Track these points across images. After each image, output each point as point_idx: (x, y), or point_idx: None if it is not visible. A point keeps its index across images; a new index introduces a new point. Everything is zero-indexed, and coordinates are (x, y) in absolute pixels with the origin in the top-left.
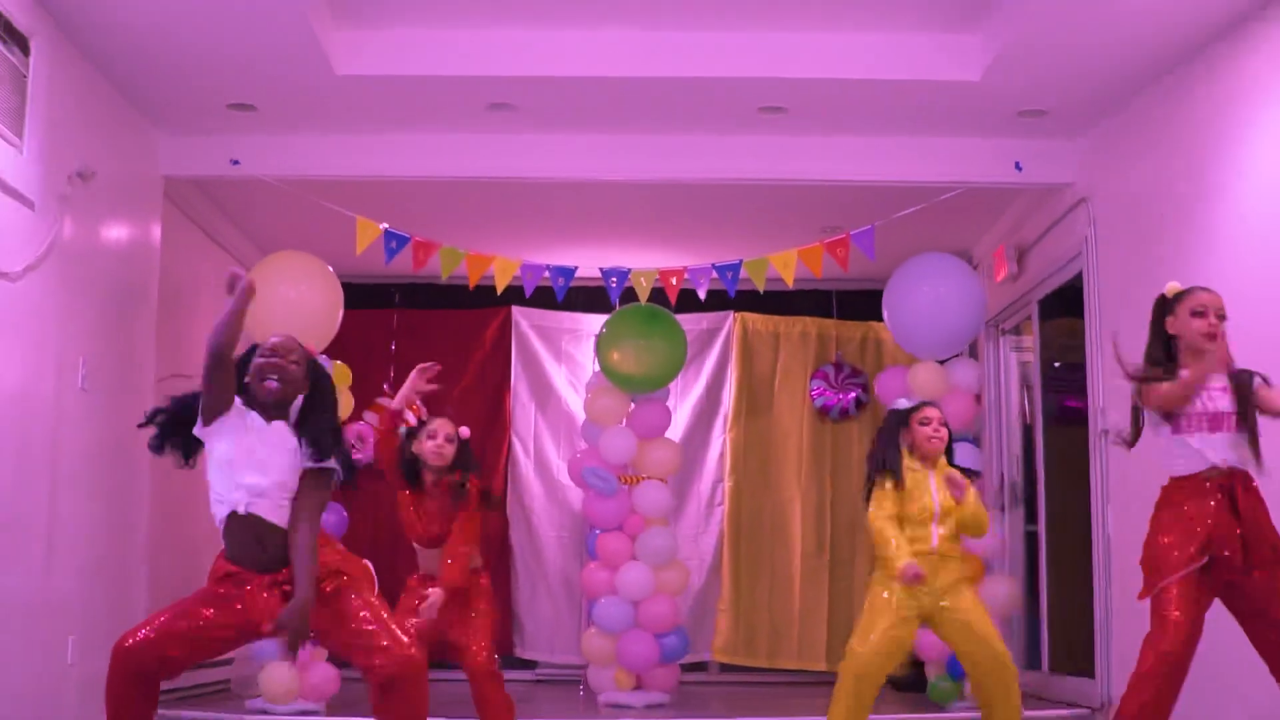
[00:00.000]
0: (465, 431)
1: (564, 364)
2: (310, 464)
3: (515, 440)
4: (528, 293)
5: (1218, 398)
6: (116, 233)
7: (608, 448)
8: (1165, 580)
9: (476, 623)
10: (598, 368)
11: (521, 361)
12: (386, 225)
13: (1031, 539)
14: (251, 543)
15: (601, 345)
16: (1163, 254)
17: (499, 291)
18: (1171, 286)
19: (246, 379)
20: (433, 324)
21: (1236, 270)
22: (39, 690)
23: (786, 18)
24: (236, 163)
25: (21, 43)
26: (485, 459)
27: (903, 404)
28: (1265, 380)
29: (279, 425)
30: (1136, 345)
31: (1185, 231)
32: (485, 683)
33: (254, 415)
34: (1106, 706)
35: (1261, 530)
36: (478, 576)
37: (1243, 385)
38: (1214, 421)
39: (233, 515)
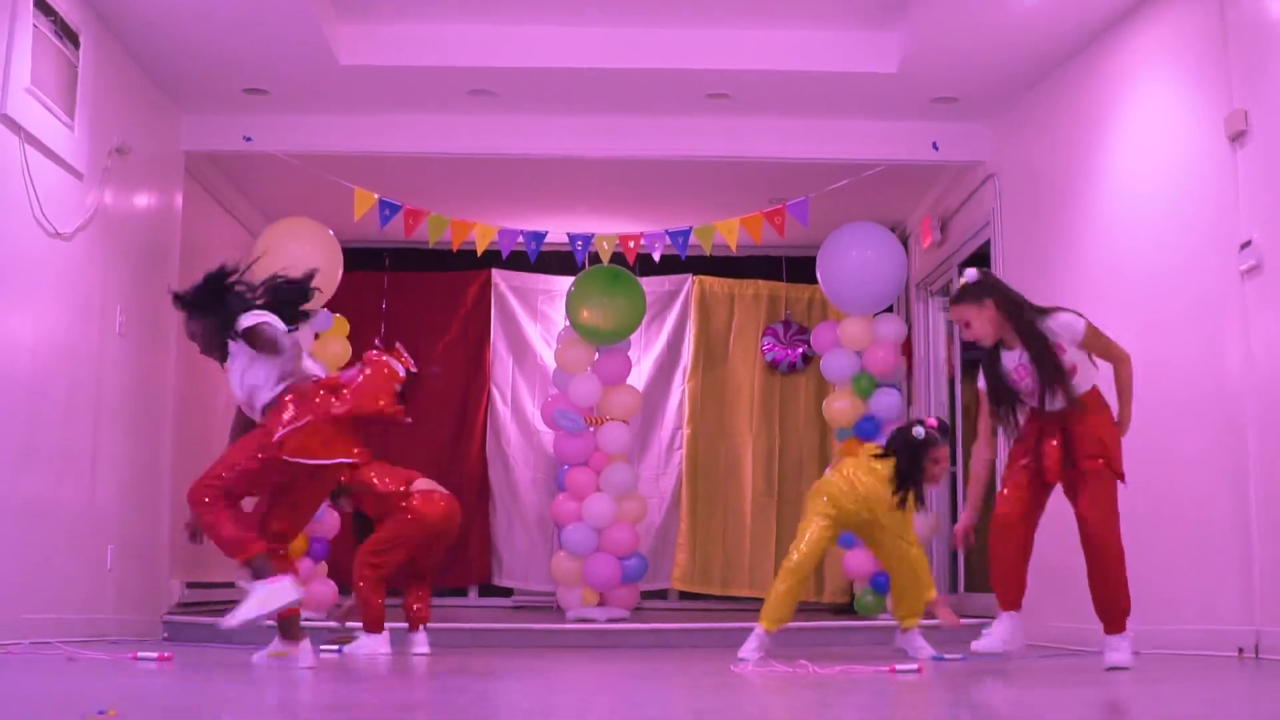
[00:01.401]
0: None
1: (539, 321)
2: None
3: (494, 390)
4: (504, 254)
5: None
6: (146, 200)
7: (575, 392)
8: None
9: None
10: (568, 322)
11: (500, 319)
12: (380, 196)
13: (951, 478)
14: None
15: (571, 301)
16: (1054, 223)
17: (479, 254)
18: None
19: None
20: (420, 285)
21: (1116, 235)
22: (84, 592)
23: (730, 17)
24: (249, 140)
25: (73, 38)
26: (466, 408)
27: (919, 433)
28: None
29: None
30: (1036, 299)
31: (1072, 202)
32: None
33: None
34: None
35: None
36: None
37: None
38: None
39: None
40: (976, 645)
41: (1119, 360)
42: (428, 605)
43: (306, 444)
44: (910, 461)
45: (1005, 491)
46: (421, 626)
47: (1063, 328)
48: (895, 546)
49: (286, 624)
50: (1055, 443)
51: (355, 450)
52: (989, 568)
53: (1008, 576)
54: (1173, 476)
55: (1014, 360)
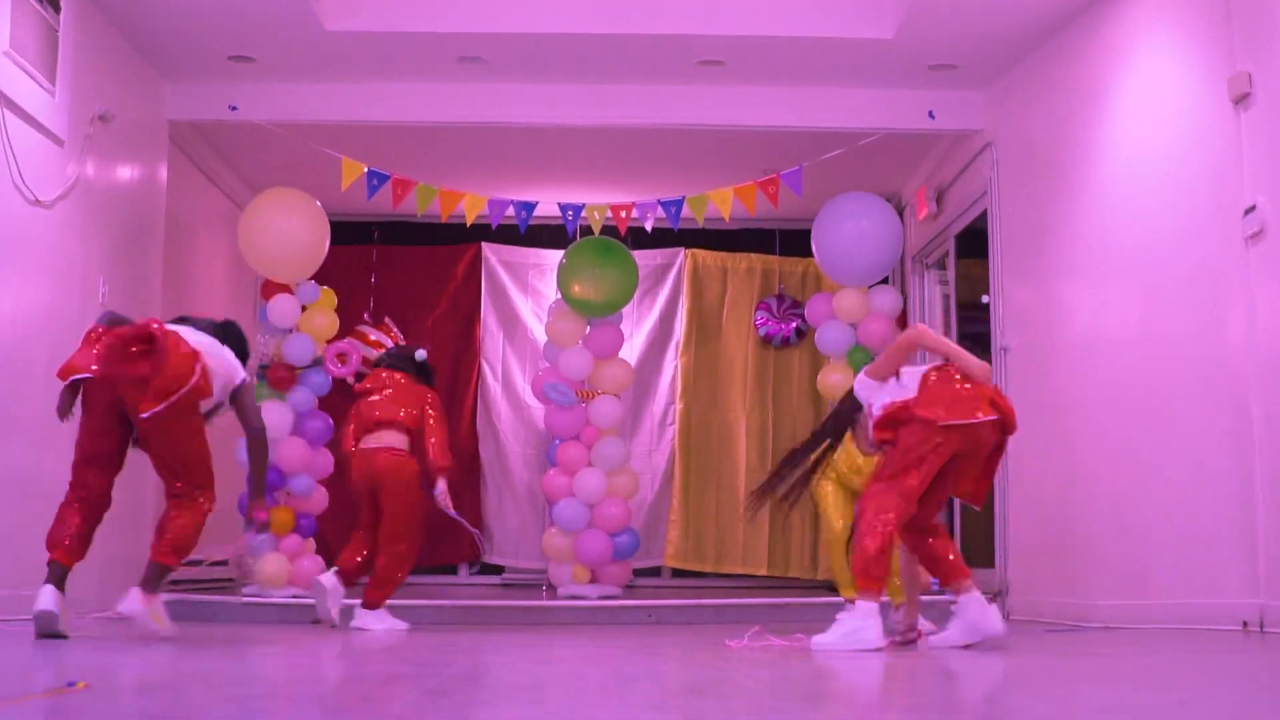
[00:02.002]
0: (421, 353)
1: (529, 296)
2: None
3: (485, 365)
4: (494, 225)
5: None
6: (129, 170)
7: (566, 366)
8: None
9: None
10: (559, 295)
11: (490, 293)
12: (368, 166)
13: None
14: None
15: (562, 273)
16: (1052, 191)
17: (468, 224)
18: None
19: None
20: (409, 259)
21: (1116, 203)
22: None
23: None
24: (235, 109)
25: (53, 2)
26: (456, 383)
27: None
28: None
29: None
30: (1034, 270)
31: (1071, 170)
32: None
33: None
34: (1005, 592)
35: None
36: None
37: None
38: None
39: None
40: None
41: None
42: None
43: None
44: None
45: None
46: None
47: None
48: None
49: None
50: None
51: None
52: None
53: None
54: (1174, 448)
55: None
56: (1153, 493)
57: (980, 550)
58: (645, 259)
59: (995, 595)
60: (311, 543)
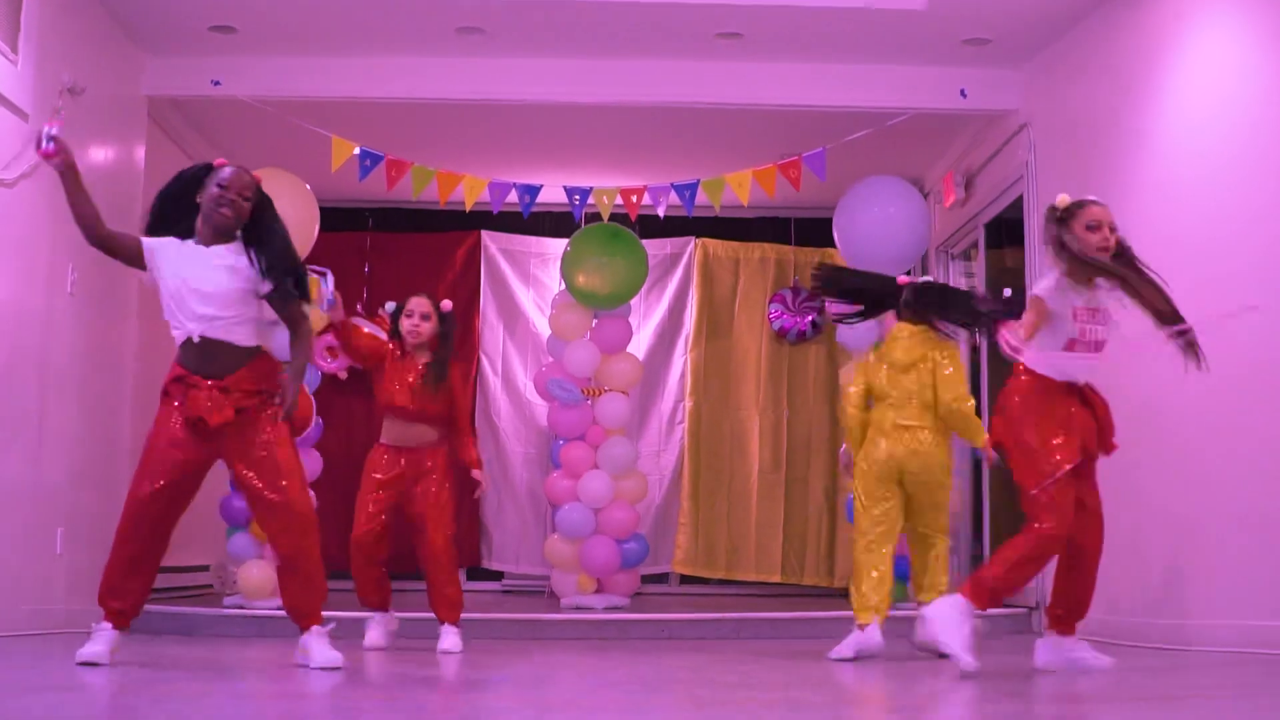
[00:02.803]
0: (447, 305)
1: (531, 287)
2: (268, 290)
3: (484, 360)
4: (495, 209)
5: (1094, 322)
6: (103, 149)
7: (571, 360)
8: (1059, 471)
9: (439, 499)
10: (563, 286)
11: (490, 284)
12: (361, 145)
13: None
14: (203, 357)
15: (566, 262)
16: (1097, 179)
17: (467, 208)
18: (1063, 199)
19: (199, 199)
20: (404, 247)
21: (1170, 187)
22: (31, 578)
23: None
24: (217, 83)
25: None
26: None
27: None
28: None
29: (218, 249)
30: None
31: (1119, 157)
32: (438, 567)
33: (191, 245)
34: (1041, 604)
35: (1105, 425)
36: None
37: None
38: (1095, 346)
39: (188, 341)
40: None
41: None
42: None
43: None
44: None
45: (1052, 497)
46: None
47: None
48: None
49: None
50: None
51: None
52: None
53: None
54: (1238, 451)
55: (1088, 301)
56: (1210, 501)
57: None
58: (654, 248)
59: (1033, 609)
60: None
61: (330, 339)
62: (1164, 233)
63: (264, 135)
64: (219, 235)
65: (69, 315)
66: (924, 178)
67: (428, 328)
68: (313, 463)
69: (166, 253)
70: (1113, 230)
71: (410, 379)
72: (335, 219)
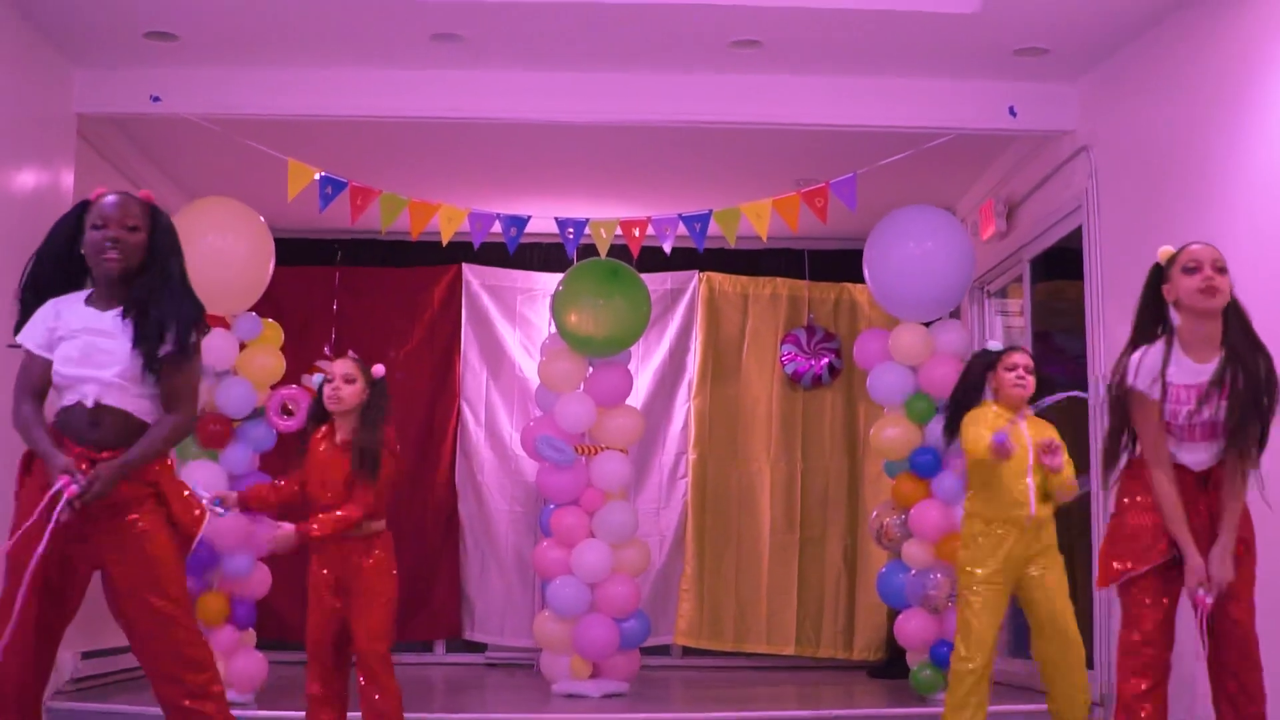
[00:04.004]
0: (379, 370)
1: (518, 326)
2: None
3: (465, 407)
4: (476, 244)
5: (1205, 404)
6: (23, 174)
7: (564, 415)
8: (1128, 574)
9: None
10: (553, 329)
11: (472, 323)
12: (322, 171)
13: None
14: (86, 423)
15: (558, 304)
16: (1171, 208)
17: (444, 242)
18: (1164, 251)
19: (83, 251)
20: (377, 282)
21: (1253, 226)
22: None
23: None
24: (157, 99)
25: None
26: (433, 428)
27: (993, 346)
28: None
29: (115, 315)
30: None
31: (1196, 180)
32: (365, 669)
33: (88, 312)
34: (1107, 700)
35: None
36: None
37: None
38: (1209, 430)
39: (79, 405)
40: None
41: None
42: None
43: None
44: (971, 380)
45: (1143, 602)
46: None
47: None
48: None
49: None
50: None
51: None
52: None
53: None
54: None
55: (1192, 376)
56: None
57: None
58: (653, 283)
59: (1096, 704)
60: (251, 634)
61: (288, 393)
62: (1256, 272)
63: (214, 156)
64: (113, 287)
65: None
66: (955, 206)
67: (350, 392)
68: (266, 532)
69: (61, 332)
70: (1219, 270)
71: (335, 473)
72: (298, 252)
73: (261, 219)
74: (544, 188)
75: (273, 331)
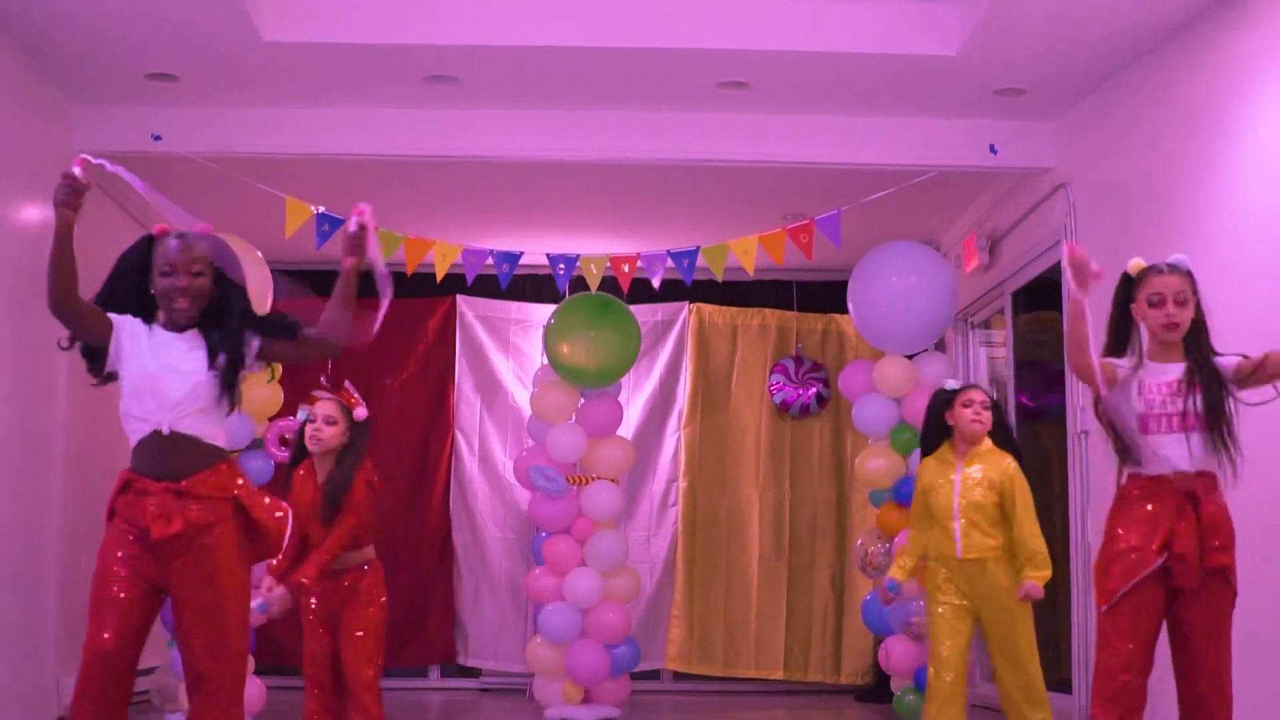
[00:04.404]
0: (360, 412)
1: (511, 356)
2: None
3: (459, 436)
4: (469, 280)
5: (1171, 396)
6: (26, 210)
7: (555, 446)
8: (1126, 584)
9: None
10: (546, 360)
11: (466, 353)
12: (319, 207)
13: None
14: (163, 456)
15: (550, 336)
16: (1147, 244)
17: (439, 279)
18: (1135, 264)
19: (154, 291)
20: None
21: (1229, 263)
22: None
23: None
24: (158, 138)
25: None
26: (427, 456)
27: (950, 384)
28: (1245, 356)
29: (190, 335)
30: None
31: (1172, 220)
32: (353, 697)
33: (159, 331)
34: None
35: (1220, 537)
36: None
37: (1209, 377)
38: (1184, 421)
39: (155, 434)
40: None
41: None
42: None
43: None
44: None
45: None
46: None
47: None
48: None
49: None
50: (1187, 524)
51: None
52: None
53: None
54: None
55: (1162, 375)
56: None
57: (1052, 667)
58: (644, 314)
59: None
60: (250, 661)
61: (286, 424)
62: (1231, 314)
63: (213, 192)
64: (185, 324)
65: None
66: (939, 239)
67: (331, 433)
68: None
69: (133, 333)
70: (1180, 304)
71: (317, 513)
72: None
73: (259, 254)
74: (536, 223)
75: (270, 365)
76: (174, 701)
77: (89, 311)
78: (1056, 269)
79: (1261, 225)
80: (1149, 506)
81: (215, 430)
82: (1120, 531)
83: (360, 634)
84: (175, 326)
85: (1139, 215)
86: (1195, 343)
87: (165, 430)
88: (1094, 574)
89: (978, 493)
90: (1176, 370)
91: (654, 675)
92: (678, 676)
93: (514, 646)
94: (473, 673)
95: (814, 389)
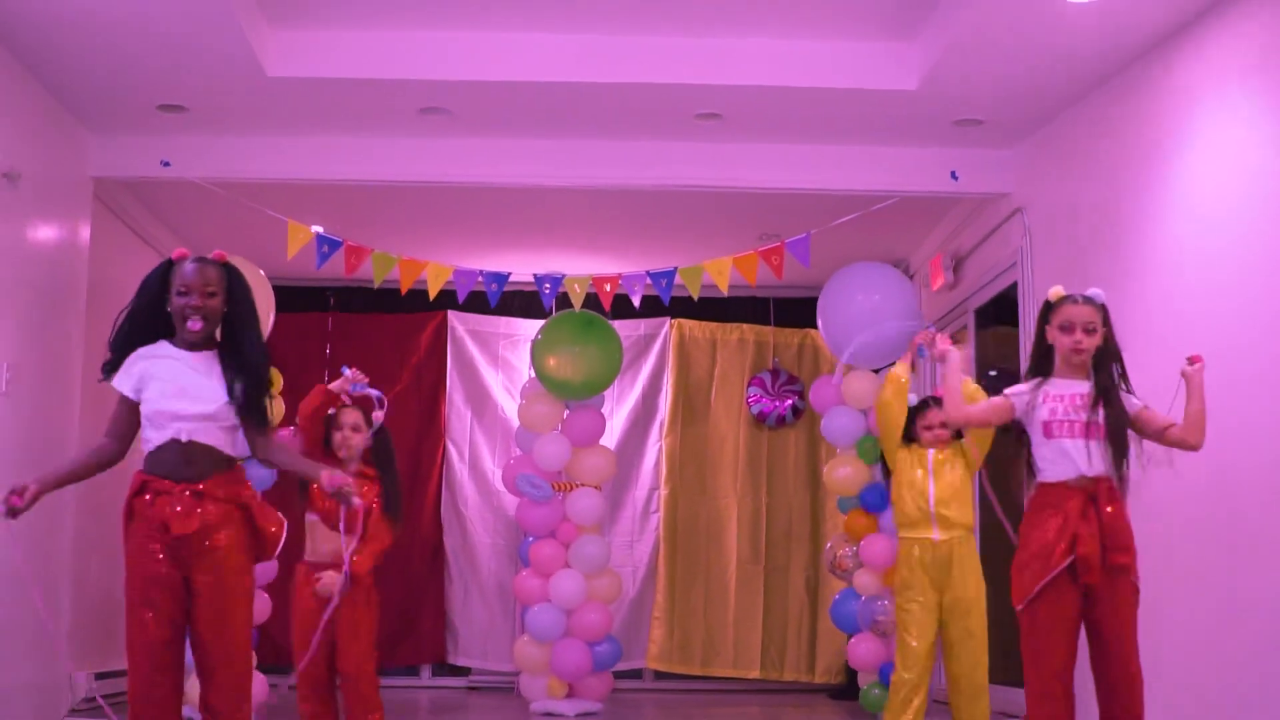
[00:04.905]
0: (379, 416)
1: (500, 369)
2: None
3: (450, 446)
4: (460, 299)
5: (1076, 406)
6: (44, 234)
7: (541, 454)
8: (1038, 583)
9: (347, 632)
10: (533, 373)
11: (457, 366)
12: (319, 229)
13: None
14: (180, 461)
15: (537, 351)
16: (1096, 264)
17: (431, 297)
18: (1054, 291)
19: (169, 309)
20: (368, 328)
21: (1168, 281)
22: None
23: (723, 23)
24: (167, 164)
25: None
26: (419, 465)
27: (911, 400)
28: (1147, 407)
29: (206, 356)
30: None
31: (1118, 242)
32: (354, 692)
33: (178, 353)
34: None
35: (1120, 539)
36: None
37: (1109, 395)
38: (1079, 428)
39: (173, 441)
40: None
41: None
42: None
43: None
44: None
45: (1044, 621)
46: None
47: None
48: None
49: None
50: (1089, 527)
51: None
52: None
53: None
54: (1255, 558)
55: (1069, 389)
56: (1232, 608)
57: (1011, 664)
58: (627, 329)
59: None
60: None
61: (288, 434)
62: (1171, 330)
63: (218, 216)
64: (200, 343)
65: (5, 413)
66: (909, 259)
67: (359, 439)
68: (265, 566)
69: (151, 374)
70: (1088, 332)
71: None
72: (294, 298)
73: (262, 273)
74: (523, 245)
75: (274, 376)
76: (187, 696)
77: (124, 437)
78: (1014, 288)
79: (1192, 249)
80: (1055, 512)
81: (228, 441)
82: (1032, 536)
83: (358, 635)
84: (189, 345)
85: (1090, 238)
86: (1104, 368)
87: (184, 439)
88: (1011, 576)
89: (948, 472)
90: (1084, 386)
91: (636, 674)
92: (659, 675)
93: (502, 646)
94: (462, 671)
95: (790, 401)
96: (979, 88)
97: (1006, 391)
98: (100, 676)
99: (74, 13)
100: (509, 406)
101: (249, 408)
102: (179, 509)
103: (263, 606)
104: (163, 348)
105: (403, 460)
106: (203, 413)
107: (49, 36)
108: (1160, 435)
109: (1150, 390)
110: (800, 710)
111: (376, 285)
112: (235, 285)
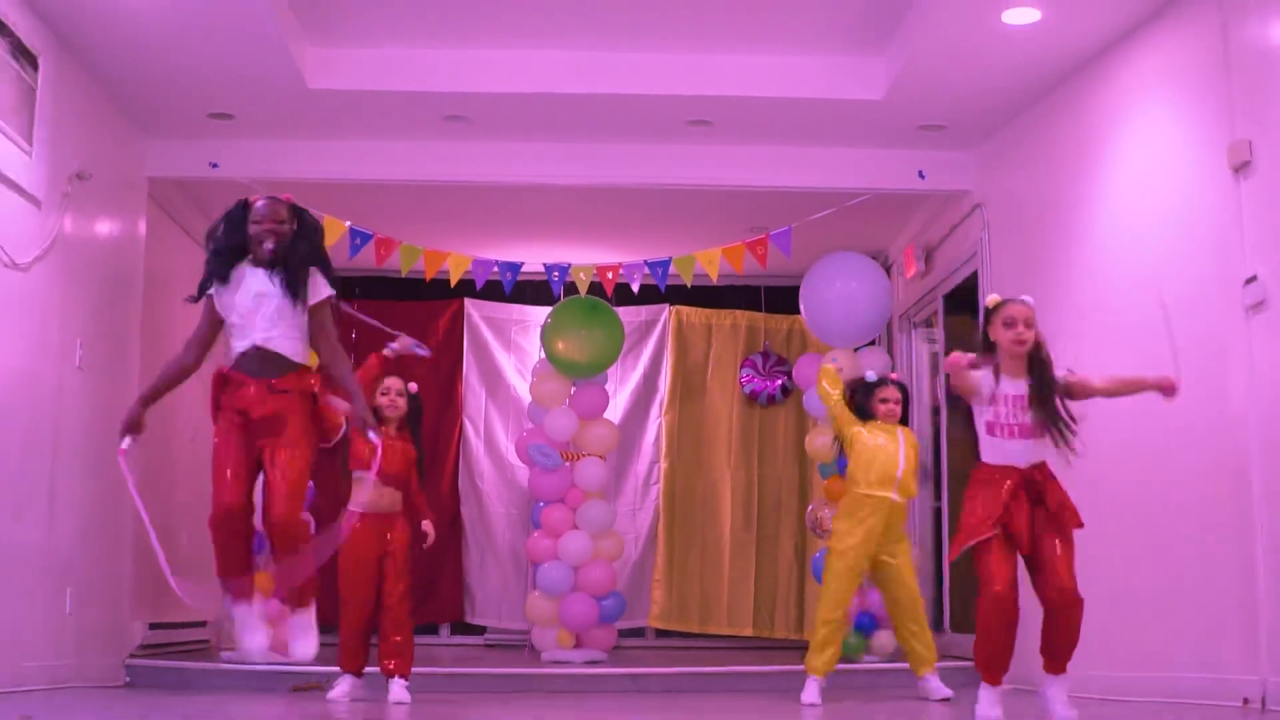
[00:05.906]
0: (413, 386)
1: (512, 353)
2: (300, 300)
3: (467, 423)
4: (479, 285)
5: (1018, 409)
6: (107, 228)
7: (551, 426)
8: (968, 542)
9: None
10: (543, 355)
11: (473, 350)
12: (351, 224)
13: (937, 514)
14: (258, 361)
15: (547, 334)
16: (1045, 255)
17: (453, 284)
18: (992, 298)
19: (250, 233)
20: (390, 315)
21: (1112, 269)
22: (42, 638)
23: (712, 40)
24: (215, 166)
25: (31, 60)
26: (439, 440)
27: (870, 377)
28: (1070, 371)
29: (273, 275)
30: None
31: (1064, 234)
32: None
33: (256, 273)
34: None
35: (1059, 506)
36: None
37: (1044, 390)
38: (1017, 430)
39: (254, 347)
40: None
41: None
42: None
43: None
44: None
45: (993, 560)
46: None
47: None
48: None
49: None
50: (1019, 505)
51: None
52: (982, 647)
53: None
54: (1172, 518)
55: (1015, 389)
56: (1151, 565)
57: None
58: (629, 315)
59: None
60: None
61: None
62: (1106, 313)
63: None
64: (271, 260)
65: (77, 387)
66: (886, 250)
67: (403, 404)
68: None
69: (231, 292)
70: (1028, 326)
71: (401, 462)
72: None
73: None
74: (534, 237)
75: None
76: (230, 642)
77: (205, 344)
78: (974, 277)
79: (1128, 239)
80: (992, 488)
81: (298, 349)
82: (970, 505)
83: (402, 571)
84: (261, 263)
85: (1042, 231)
86: (1036, 361)
87: (261, 345)
88: (954, 532)
89: (908, 448)
90: (1022, 387)
91: (639, 632)
92: (660, 633)
93: (515, 607)
94: (478, 630)
95: (779, 381)
96: (940, 97)
97: (979, 375)
98: (154, 627)
99: (136, 31)
100: (521, 387)
101: (291, 282)
102: (257, 397)
103: None
104: (242, 270)
105: (423, 437)
106: (271, 316)
107: (114, 53)
108: (1086, 389)
109: (1099, 370)
110: (788, 662)
111: (404, 274)
112: (305, 219)
